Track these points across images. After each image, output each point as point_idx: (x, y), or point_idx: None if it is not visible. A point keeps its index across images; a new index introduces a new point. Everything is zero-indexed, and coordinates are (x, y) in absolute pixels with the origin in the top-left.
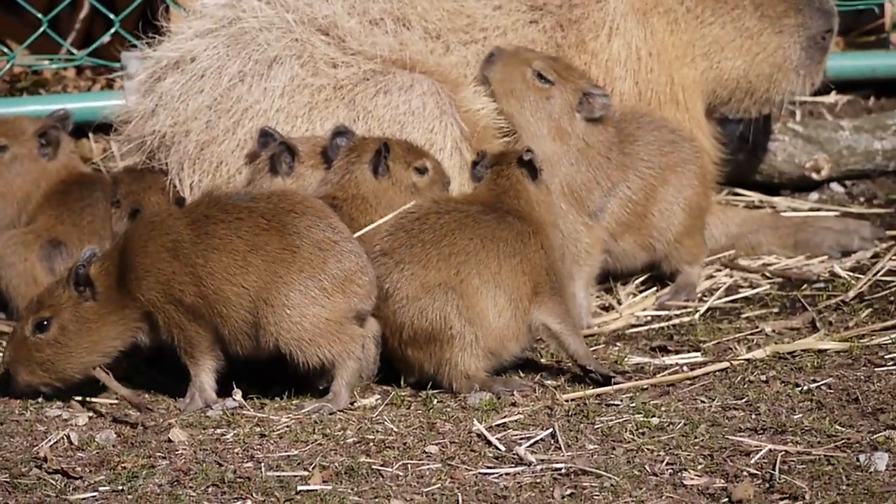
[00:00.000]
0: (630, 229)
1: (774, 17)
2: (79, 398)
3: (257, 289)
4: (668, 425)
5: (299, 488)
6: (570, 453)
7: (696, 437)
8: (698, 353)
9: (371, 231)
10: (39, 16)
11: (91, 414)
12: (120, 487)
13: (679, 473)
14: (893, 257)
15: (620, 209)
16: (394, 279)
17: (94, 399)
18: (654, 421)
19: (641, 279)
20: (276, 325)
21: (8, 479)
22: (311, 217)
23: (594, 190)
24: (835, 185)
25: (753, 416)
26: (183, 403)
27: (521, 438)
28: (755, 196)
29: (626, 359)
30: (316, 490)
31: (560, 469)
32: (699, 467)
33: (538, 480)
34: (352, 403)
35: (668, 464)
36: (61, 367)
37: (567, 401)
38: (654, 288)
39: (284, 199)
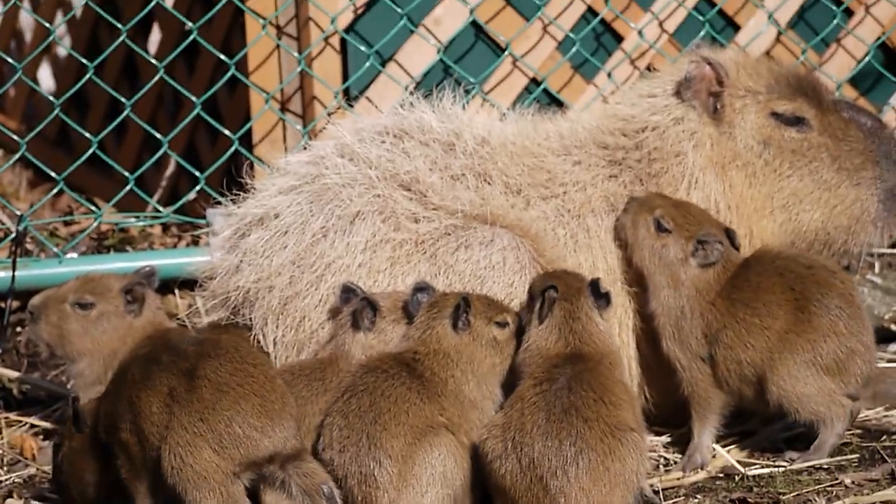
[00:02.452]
0: (742, 381)
1: (852, 170)
2: None
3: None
4: None
5: None
6: None
7: None
8: None
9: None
10: (126, 174)
11: None
12: None
13: None
14: None
15: (724, 356)
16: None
17: None
18: None
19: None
20: (170, 467)
21: None
22: (222, 360)
23: (699, 336)
24: None
25: None
26: None
27: None
28: None
29: None
30: None
31: None
32: None
33: None
34: None
35: None
36: (72, 492)
37: None
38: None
39: (209, 344)
